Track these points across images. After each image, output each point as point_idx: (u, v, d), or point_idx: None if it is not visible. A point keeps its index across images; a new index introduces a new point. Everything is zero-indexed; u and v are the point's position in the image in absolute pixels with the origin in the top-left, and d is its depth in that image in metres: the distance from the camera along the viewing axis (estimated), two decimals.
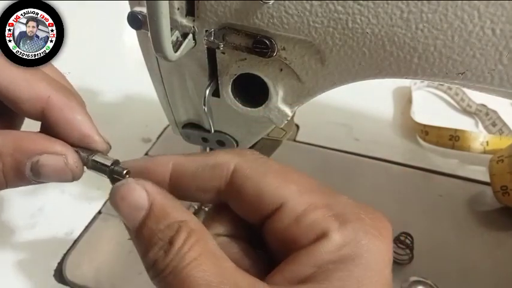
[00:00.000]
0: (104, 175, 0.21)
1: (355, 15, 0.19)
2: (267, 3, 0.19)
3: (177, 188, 0.19)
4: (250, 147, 0.32)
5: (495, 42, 0.18)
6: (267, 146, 0.31)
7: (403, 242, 0.35)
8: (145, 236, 0.18)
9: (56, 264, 0.33)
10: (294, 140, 0.48)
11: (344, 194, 0.20)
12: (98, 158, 0.21)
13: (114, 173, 0.20)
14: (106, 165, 0.21)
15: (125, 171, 0.20)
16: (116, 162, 0.21)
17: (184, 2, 0.21)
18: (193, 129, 0.30)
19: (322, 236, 0.17)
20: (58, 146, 0.20)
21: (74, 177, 0.20)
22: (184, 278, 0.16)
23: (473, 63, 0.19)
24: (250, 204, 0.18)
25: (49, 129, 0.20)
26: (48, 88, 0.21)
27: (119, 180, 0.20)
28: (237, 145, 0.31)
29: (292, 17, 0.19)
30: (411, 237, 0.35)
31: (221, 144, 0.31)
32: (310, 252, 0.16)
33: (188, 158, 0.19)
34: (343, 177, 0.43)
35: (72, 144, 0.21)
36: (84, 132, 0.21)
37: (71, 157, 0.20)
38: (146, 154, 0.45)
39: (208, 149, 0.34)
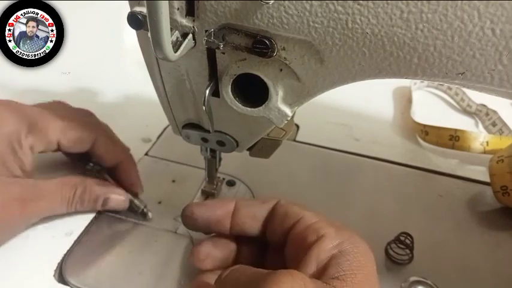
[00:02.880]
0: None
1: (355, 15, 0.19)
2: (266, 3, 0.19)
3: (237, 217, 0.28)
4: (250, 147, 0.32)
5: (495, 42, 0.18)
6: (267, 146, 0.31)
7: (402, 242, 0.35)
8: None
9: (56, 264, 0.33)
10: (294, 140, 0.48)
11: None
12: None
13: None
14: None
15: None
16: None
17: (184, 2, 0.21)
18: (193, 129, 0.30)
19: (322, 235, 0.23)
20: (120, 191, 0.36)
21: (124, 209, 0.37)
22: None
23: (473, 63, 0.19)
24: (279, 223, 0.26)
25: (115, 177, 0.37)
26: (120, 154, 0.37)
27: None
28: (237, 145, 0.31)
29: (292, 17, 0.19)
30: (411, 237, 0.35)
31: (221, 144, 0.31)
32: (316, 248, 0.23)
33: (245, 198, 0.31)
34: (343, 177, 0.43)
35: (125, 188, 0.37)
36: (133, 181, 0.37)
37: (127, 198, 0.36)
38: (146, 154, 0.45)
39: (208, 149, 0.34)
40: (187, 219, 0.29)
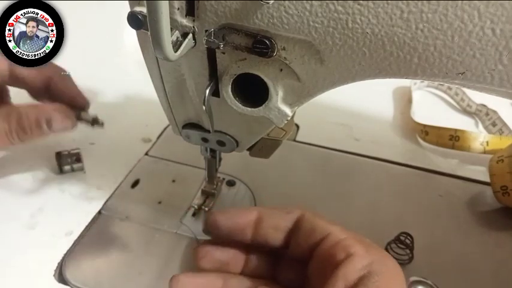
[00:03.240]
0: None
1: (355, 15, 0.19)
2: (267, 3, 0.19)
3: (259, 227, 0.27)
4: (250, 147, 0.32)
5: (495, 42, 0.18)
6: (267, 146, 0.31)
7: (403, 242, 0.35)
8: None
9: (56, 264, 0.33)
10: (294, 140, 0.48)
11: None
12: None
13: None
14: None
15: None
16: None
17: (184, 2, 0.21)
18: (193, 129, 0.30)
19: (352, 254, 0.22)
20: (63, 107, 0.35)
21: (72, 125, 0.35)
22: None
23: (473, 63, 0.19)
24: (305, 237, 0.25)
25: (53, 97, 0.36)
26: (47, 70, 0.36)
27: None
28: (237, 145, 0.31)
29: (292, 17, 0.19)
30: (411, 237, 0.35)
31: (221, 144, 0.31)
32: (344, 267, 0.22)
33: (269, 207, 0.28)
34: (343, 177, 0.43)
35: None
36: (75, 95, 0.37)
37: (70, 113, 0.35)
38: (146, 154, 0.45)
39: (208, 149, 0.34)
40: (211, 227, 0.28)
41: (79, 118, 0.36)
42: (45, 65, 0.33)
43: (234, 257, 0.28)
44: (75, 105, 0.36)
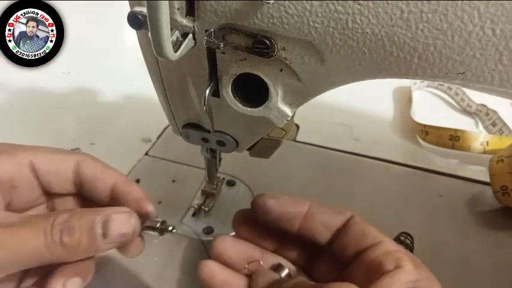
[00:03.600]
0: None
1: (355, 15, 0.19)
2: (267, 3, 0.19)
3: (308, 220, 0.26)
4: (250, 147, 0.32)
5: (495, 42, 0.18)
6: (267, 146, 0.31)
7: (403, 242, 0.35)
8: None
9: None
10: (294, 140, 0.48)
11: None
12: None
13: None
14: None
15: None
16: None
17: (184, 2, 0.21)
18: (193, 129, 0.30)
19: (401, 267, 0.22)
20: (125, 208, 0.25)
21: (134, 234, 0.25)
22: None
23: (473, 63, 0.19)
24: (353, 240, 0.25)
25: (116, 203, 0.27)
26: (113, 177, 0.28)
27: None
28: (237, 145, 0.31)
29: (292, 17, 0.19)
30: (411, 237, 0.35)
31: (221, 144, 0.31)
32: (392, 277, 0.22)
33: (319, 204, 0.28)
34: (343, 177, 0.43)
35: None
36: (141, 204, 0.27)
37: (134, 216, 0.25)
38: (146, 154, 0.45)
39: (208, 149, 0.34)
40: (259, 208, 0.26)
41: (143, 227, 0.27)
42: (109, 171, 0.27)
43: (270, 236, 0.28)
44: (139, 212, 0.27)
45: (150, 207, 0.27)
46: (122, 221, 0.24)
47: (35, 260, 0.22)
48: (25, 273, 0.25)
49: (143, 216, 0.27)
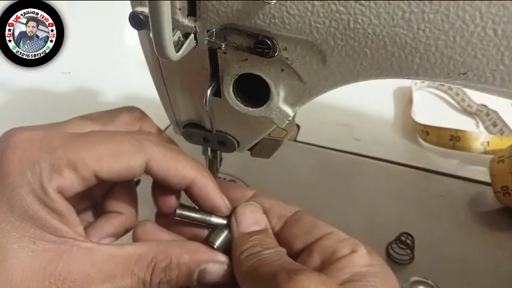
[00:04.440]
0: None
1: (357, 16, 0.19)
2: (268, 3, 0.19)
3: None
4: (251, 147, 0.32)
5: (497, 42, 0.18)
6: (268, 146, 0.31)
7: (403, 242, 0.35)
8: (252, 239, 0.24)
9: None
10: (295, 140, 0.48)
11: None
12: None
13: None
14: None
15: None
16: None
17: (185, 2, 0.21)
18: (194, 129, 0.30)
19: (355, 251, 0.22)
20: (220, 256, 0.24)
21: (226, 281, 0.24)
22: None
23: (474, 63, 0.19)
24: (303, 230, 0.25)
25: (191, 198, 0.26)
26: (192, 172, 0.25)
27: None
28: (238, 145, 0.31)
29: (293, 17, 0.19)
30: (412, 237, 0.35)
31: (222, 144, 0.31)
32: (348, 260, 0.22)
33: (266, 191, 0.27)
34: (343, 177, 0.43)
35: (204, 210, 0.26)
36: (215, 204, 0.26)
37: (227, 265, 0.24)
38: None
39: (209, 149, 0.34)
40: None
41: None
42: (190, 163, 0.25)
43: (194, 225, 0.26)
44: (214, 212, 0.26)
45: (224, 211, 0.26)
46: (217, 272, 0.24)
47: None
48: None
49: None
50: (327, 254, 0.23)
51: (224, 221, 0.26)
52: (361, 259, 0.22)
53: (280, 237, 0.25)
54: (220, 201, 0.26)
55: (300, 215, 0.26)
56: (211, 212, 0.26)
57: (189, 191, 0.25)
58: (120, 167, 0.23)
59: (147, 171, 0.24)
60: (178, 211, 0.25)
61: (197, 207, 0.26)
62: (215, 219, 0.26)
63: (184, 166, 0.25)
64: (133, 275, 0.22)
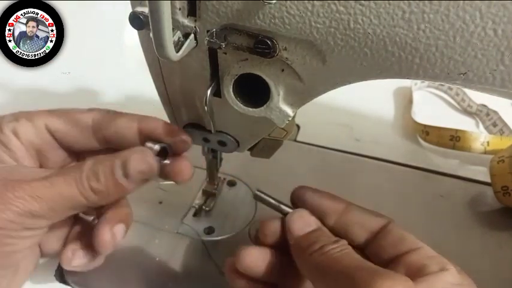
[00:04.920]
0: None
1: (357, 16, 0.19)
2: (268, 3, 0.19)
3: (345, 218, 0.26)
4: (251, 148, 0.32)
5: (497, 42, 0.18)
6: (268, 146, 0.31)
7: None
8: (309, 237, 0.25)
9: (56, 264, 0.33)
10: (295, 140, 0.48)
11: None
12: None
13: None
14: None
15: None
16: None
17: (185, 2, 0.21)
18: (194, 129, 0.30)
19: (445, 269, 0.22)
20: (141, 147, 0.26)
21: (152, 169, 0.26)
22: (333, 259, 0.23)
23: (474, 63, 0.19)
24: (392, 243, 0.24)
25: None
26: (135, 118, 0.29)
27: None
28: (238, 145, 0.31)
29: (293, 18, 0.19)
30: None
31: (222, 144, 0.31)
32: (437, 278, 0.22)
33: (360, 206, 0.27)
34: (343, 178, 0.43)
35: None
36: (173, 136, 0.28)
37: (148, 153, 0.26)
38: None
39: (209, 149, 0.34)
40: (297, 198, 0.27)
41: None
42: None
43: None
44: (176, 144, 0.28)
45: (184, 137, 0.28)
46: (138, 160, 0.25)
47: (74, 207, 0.25)
48: (75, 221, 0.28)
49: (181, 145, 0.28)
50: (414, 268, 0.22)
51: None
52: (451, 277, 0.22)
53: (368, 249, 0.26)
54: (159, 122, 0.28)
55: (389, 227, 0.25)
56: (281, 202, 0.28)
57: (143, 133, 0.28)
58: (69, 121, 0.27)
59: (96, 126, 0.27)
60: (258, 193, 0.28)
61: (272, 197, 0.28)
62: (284, 208, 0.28)
63: (130, 117, 0.28)
64: (66, 174, 0.24)
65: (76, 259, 0.27)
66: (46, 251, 0.28)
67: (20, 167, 0.27)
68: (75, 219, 0.29)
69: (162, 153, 0.28)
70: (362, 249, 0.26)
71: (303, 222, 0.26)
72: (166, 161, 0.28)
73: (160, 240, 0.36)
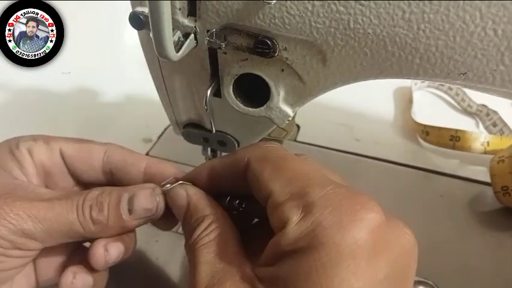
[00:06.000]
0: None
1: (357, 16, 0.19)
2: (268, 3, 0.19)
3: (215, 186, 0.24)
4: None
5: (497, 42, 0.18)
6: None
7: None
8: (185, 227, 0.24)
9: None
10: (295, 140, 0.48)
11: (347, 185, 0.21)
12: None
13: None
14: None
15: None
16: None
17: (185, 2, 0.21)
18: (194, 129, 0.30)
19: (282, 227, 0.18)
20: (150, 184, 0.26)
21: (159, 208, 0.25)
22: (194, 255, 0.21)
23: (474, 63, 0.19)
24: (256, 194, 0.21)
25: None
26: (142, 158, 0.28)
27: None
28: (238, 145, 0.31)
29: (293, 18, 0.19)
30: None
31: (222, 144, 0.31)
32: (273, 242, 0.18)
33: (219, 160, 0.25)
34: (343, 177, 0.43)
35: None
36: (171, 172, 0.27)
37: (158, 191, 0.25)
38: (147, 154, 0.45)
39: (209, 149, 0.34)
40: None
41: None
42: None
43: None
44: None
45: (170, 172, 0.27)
46: (146, 197, 0.25)
47: (70, 234, 0.24)
48: (76, 248, 0.27)
49: None
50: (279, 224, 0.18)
51: None
52: (285, 238, 0.17)
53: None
54: (177, 172, 0.27)
55: (246, 171, 0.21)
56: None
57: (148, 174, 0.27)
58: (83, 149, 0.27)
59: (107, 159, 0.28)
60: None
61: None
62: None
63: (137, 156, 0.28)
64: (69, 199, 0.24)
65: (78, 280, 0.25)
66: (42, 279, 0.27)
67: (28, 184, 0.26)
68: (77, 247, 0.27)
69: None
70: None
71: (177, 205, 0.24)
72: None
73: (160, 240, 0.36)
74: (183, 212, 0.24)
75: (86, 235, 0.24)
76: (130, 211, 0.24)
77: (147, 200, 0.25)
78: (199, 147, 0.34)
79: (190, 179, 0.25)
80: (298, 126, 0.50)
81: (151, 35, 0.18)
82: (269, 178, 0.20)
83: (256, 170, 0.21)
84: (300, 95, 0.23)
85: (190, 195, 0.24)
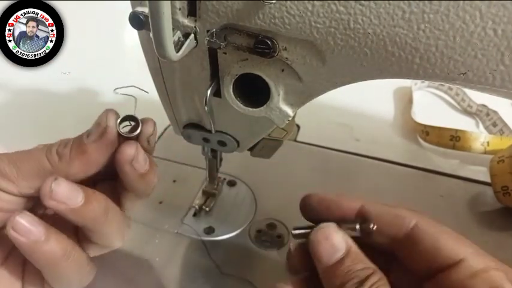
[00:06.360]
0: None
1: (357, 16, 0.19)
2: (268, 3, 0.19)
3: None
4: (251, 148, 0.32)
5: (497, 42, 0.18)
6: (268, 146, 0.31)
7: None
8: (339, 272, 0.21)
9: None
10: (295, 140, 0.48)
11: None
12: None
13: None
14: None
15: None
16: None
17: (185, 2, 0.21)
18: (194, 129, 0.30)
19: None
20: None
21: (110, 126, 0.26)
22: None
23: (474, 63, 0.19)
24: (424, 256, 0.21)
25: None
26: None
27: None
28: (238, 145, 0.31)
29: (293, 17, 0.19)
30: None
31: (222, 144, 0.31)
32: None
33: (374, 203, 0.24)
34: (343, 178, 0.43)
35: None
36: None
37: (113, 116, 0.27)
38: None
39: (209, 149, 0.34)
40: (307, 207, 0.24)
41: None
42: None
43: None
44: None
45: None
46: (101, 118, 0.26)
47: (40, 173, 0.24)
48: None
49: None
50: None
51: None
52: None
53: (396, 262, 0.23)
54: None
55: (417, 230, 0.22)
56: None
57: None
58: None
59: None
60: (296, 232, 0.25)
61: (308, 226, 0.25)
62: None
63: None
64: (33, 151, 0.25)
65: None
66: None
67: None
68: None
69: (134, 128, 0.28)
70: (389, 260, 0.23)
71: (329, 246, 0.22)
72: (136, 132, 0.28)
73: (160, 240, 0.36)
74: (337, 256, 0.22)
75: (54, 170, 0.25)
76: (88, 135, 0.25)
77: (103, 122, 0.26)
78: (199, 147, 0.34)
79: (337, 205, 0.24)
80: (298, 126, 0.50)
81: (151, 35, 0.18)
82: (456, 246, 0.21)
83: (433, 235, 0.22)
84: (300, 95, 0.23)
85: (348, 241, 0.22)
